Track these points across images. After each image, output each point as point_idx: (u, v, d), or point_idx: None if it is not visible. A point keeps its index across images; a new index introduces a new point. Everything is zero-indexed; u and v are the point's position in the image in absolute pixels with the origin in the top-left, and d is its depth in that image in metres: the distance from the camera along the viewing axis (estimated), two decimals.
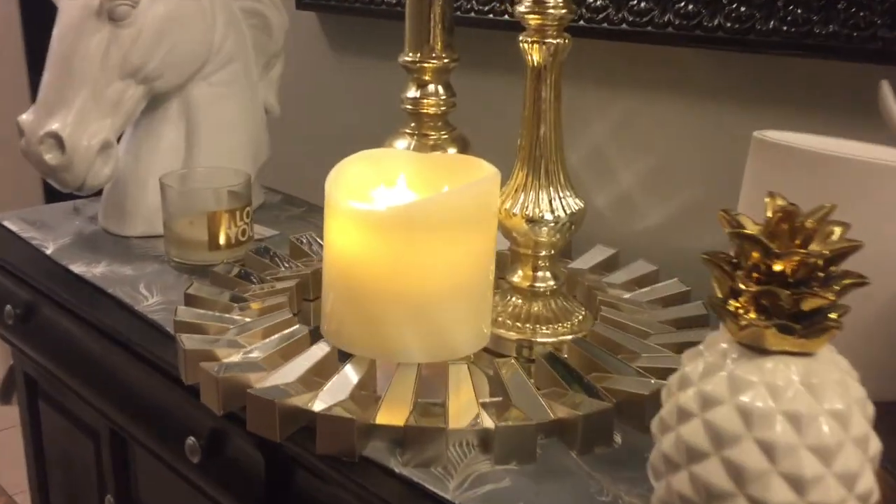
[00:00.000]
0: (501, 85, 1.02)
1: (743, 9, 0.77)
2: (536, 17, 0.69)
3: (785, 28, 0.75)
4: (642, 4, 0.84)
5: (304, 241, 0.94)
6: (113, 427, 0.88)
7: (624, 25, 0.86)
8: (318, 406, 0.63)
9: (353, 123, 1.23)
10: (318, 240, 0.94)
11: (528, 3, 0.69)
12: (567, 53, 0.70)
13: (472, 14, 0.98)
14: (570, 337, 0.75)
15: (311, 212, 1.14)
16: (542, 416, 0.62)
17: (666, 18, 0.82)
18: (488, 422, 0.62)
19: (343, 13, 1.18)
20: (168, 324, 0.80)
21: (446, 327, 0.67)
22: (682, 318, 0.77)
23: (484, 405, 0.64)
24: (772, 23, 0.75)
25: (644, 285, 0.85)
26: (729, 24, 0.78)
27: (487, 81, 1.01)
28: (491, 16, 0.96)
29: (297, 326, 0.73)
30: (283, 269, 0.88)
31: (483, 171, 0.69)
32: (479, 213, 0.67)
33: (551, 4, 0.68)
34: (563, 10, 0.68)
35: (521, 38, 0.70)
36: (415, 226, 0.64)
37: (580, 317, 0.76)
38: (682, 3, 0.81)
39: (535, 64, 0.70)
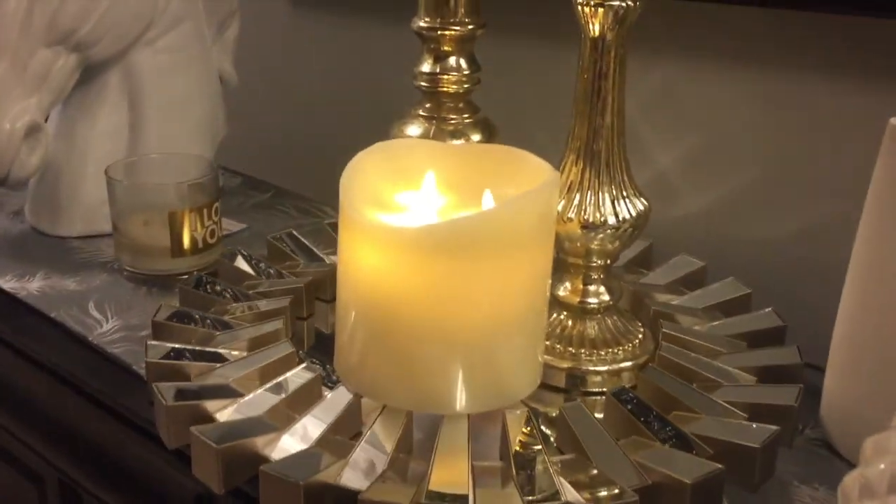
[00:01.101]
0: (527, 53, 0.87)
1: None
2: None
3: None
4: None
5: (284, 240, 0.79)
6: (63, 479, 0.73)
7: None
8: (353, 481, 0.49)
9: (320, 91, 1.07)
10: (301, 238, 0.79)
11: None
12: (636, 17, 0.56)
13: None
14: (630, 364, 0.62)
15: (279, 197, 0.98)
16: (631, 478, 0.50)
17: None
18: (572, 493, 0.49)
19: None
20: (132, 357, 0.64)
21: (500, 367, 0.54)
22: (753, 331, 0.66)
23: (558, 466, 0.51)
24: None
25: (692, 286, 0.73)
26: None
27: (510, 48, 0.85)
28: None
29: (303, 366, 0.59)
30: (264, 279, 0.73)
31: (533, 168, 0.55)
32: (537, 228, 0.53)
33: None
34: None
35: (576, 1, 0.56)
36: (461, 248, 0.50)
37: (639, 336, 0.64)
38: None
39: (595, 34, 0.56)
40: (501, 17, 0.81)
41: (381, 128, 0.69)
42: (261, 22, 1.07)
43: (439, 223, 0.53)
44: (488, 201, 0.55)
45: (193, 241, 0.77)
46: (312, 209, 0.95)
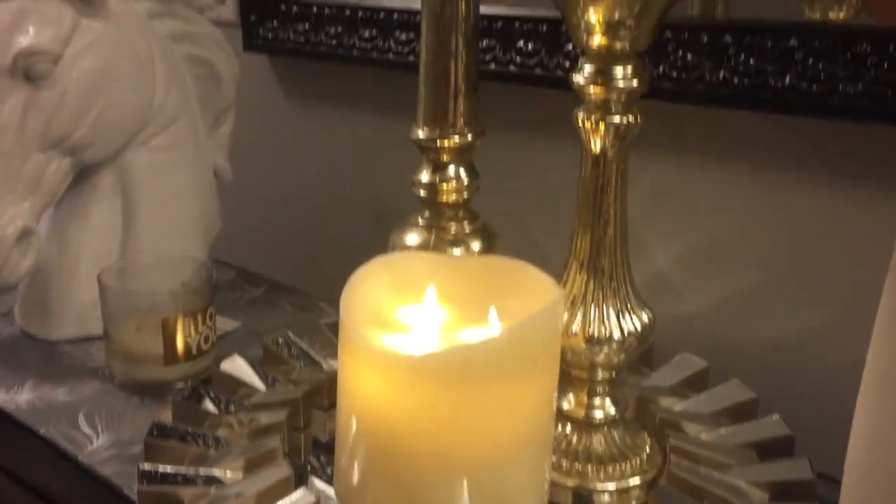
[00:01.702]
0: (521, 146, 0.86)
1: (821, 65, 0.65)
2: (599, 89, 0.54)
3: (878, 95, 0.62)
4: (689, 57, 0.71)
5: (280, 342, 0.77)
6: None
7: (665, 83, 0.72)
8: None
9: (314, 181, 1.07)
10: (296, 341, 0.78)
11: (588, 72, 0.54)
12: (637, 132, 0.56)
13: (493, 66, 0.83)
14: (638, 480, 0.60)
15: (274, 292, 0.97)
16: None
17: (720, 76, 0.69)
18: None
19: (299, 56, 1.01)
20: (124, 478, 0.62)
21: (506, 491, 0.52)
22: (762, 440, 0.64)
23: None
24: (860, 85, 0.63)
25: (696, 388, 0.71)
26: (805, 85, 0.65)
27: (505, 142, 0.85)
28: (512, 68, 0.81)
29: (301, 491, 0.57)
30: (259, 387, 0.71)
31: (536, 283, 0.54)
32: (543, 350, 0.51)
33: (620, 75, 0.54)
34: (635, 82, 0.54)
35: (577, 114, 0.56)
36: (466, 376, 0.49)
37: (647, 450, 0.62)
38: (742, 58, 0.68)
39: (597, 150, 0.55)
40: (501, 115, 0.81)
41: (378, 226, 0.68)
42: (255, 114, 1.07)
43: (443, 351, 0.52)
44: (493, 320, 0.54)
45: (187, 347, 0.75)
46: (308, 304, 0.94)
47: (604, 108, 0.55)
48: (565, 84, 0.56)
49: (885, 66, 0.61)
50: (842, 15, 0.74)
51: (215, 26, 0.93)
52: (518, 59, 0.81)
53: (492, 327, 0.54)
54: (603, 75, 0.54)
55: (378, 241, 0.67)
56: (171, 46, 0.89)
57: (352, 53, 0.94)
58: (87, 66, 0.79)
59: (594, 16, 0.52)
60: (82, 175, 0.84)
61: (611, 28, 0.52)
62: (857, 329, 0.54)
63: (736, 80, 0.68)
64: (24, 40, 0.75)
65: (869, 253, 0.68)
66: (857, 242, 0.69)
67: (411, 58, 0.89)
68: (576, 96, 0.56)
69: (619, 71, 0.54)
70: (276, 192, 1.11)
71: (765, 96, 0.67)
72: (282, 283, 0.99)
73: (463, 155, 0.64)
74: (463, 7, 0.60)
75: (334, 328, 0.53)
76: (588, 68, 0.54)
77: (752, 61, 0.67)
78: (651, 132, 0.66)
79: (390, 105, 0.97)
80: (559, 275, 0.60)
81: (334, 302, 0.51)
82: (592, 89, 0.54)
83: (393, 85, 0.94)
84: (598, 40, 0.53)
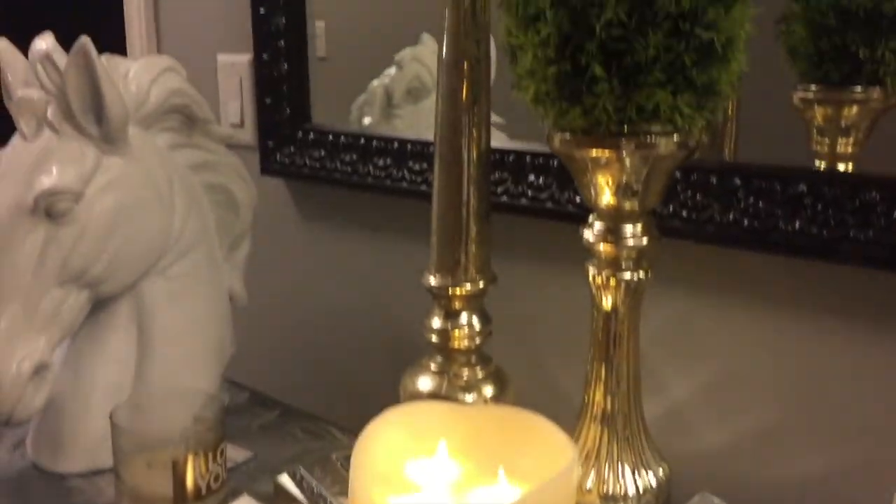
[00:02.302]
0: (532, 277, 0.87)
1: (830, 212, 0.65)
2: (609, 247, 0.55)
3: (889, 244, 0.62)
4: (698, 198, 0.71)
5: (291, 480, 0.76)
6: None
7: (676, 222, 0.73)
8: None
9: (328, 304, 1.07)
10: (309, 480, 0.76)
11: (598, 230, 0.55)
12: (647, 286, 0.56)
13: (505, 198, 0.84)
14: None
15: (286, 417, 0.96)
16: None
17: (730, 217, 0.70)
18: None
19: (314, 182, 1.03)
20: None
21: None
22: None
23: None
24: (870, 232, 0.63)
25: None
26: (815, 230, 0.65)
27: (517, 273, 0.85)
28: (523, 201, 0.82)
29: None
30: None
31: (548, 438, 0.54)
32: None
33: (629, 233, 0.54)
34: (645, 240, 0.55)
35: (588, 270, 0.56)
36: None
37: None
38: (751, 201, 0.69)
39: (608, 307, 0.56)
40: (513, 246, 0.82)
41: (392, 354, 0.68)
42: (271, 237, 1.09)
43: None
44: (502, 480, 0.53)
45: (197, 487, 0.74)
46: (320, 431, 0.93)
47: (614, 265, 0.55)
48: (576, 217, 0.57)
49: (894, 216, 0.61)
50: (850, 148, 0.75)
51: (233, 151, 0.96)
52: (529, 192, 0.82)
53: (501, 487, 0.53)
54: (613, 233, 0.54)
55: (392, 362, 0.67)
56: (191, 176, 0.91)
57: (366, 181, 0.96)
58: (108, 203, 0.80)
59: (602, 179, 0.53)
60: (99, 305, 0.85)
61: (619, 190, 0.53)
62: (883, 468, 0.53)
63: (746, 223, 0.69)
64: (48, 181, 0.77)
65: (883, 393, 0.67)
66: (871, 382, 0.68)
67: (424, 187, 0.90)
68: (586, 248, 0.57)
69: (628, 229, 0.54)
70: (289, 314, 1.11)
71: (775, 239, 0.68)
72: (294, 407, 0.99)
73: (475, 301, 0.64)
74: (474, 160, 0.61)
75: (346, 461, 0.52)
76: (598, 226, 0.55)
77: (761, 204, 0.68)
78: (664, 268, 0.67)
79: (404, 230, 0.98)
80: (575, 411, 0.59)
81: (346, 429, 0.51)
82: (603, 247, 0.55)
83: (407, 212, 0.96)
84: (607, 200, 0.54)
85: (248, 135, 1.11)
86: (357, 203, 1.01)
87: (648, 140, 0.50)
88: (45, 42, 0.80)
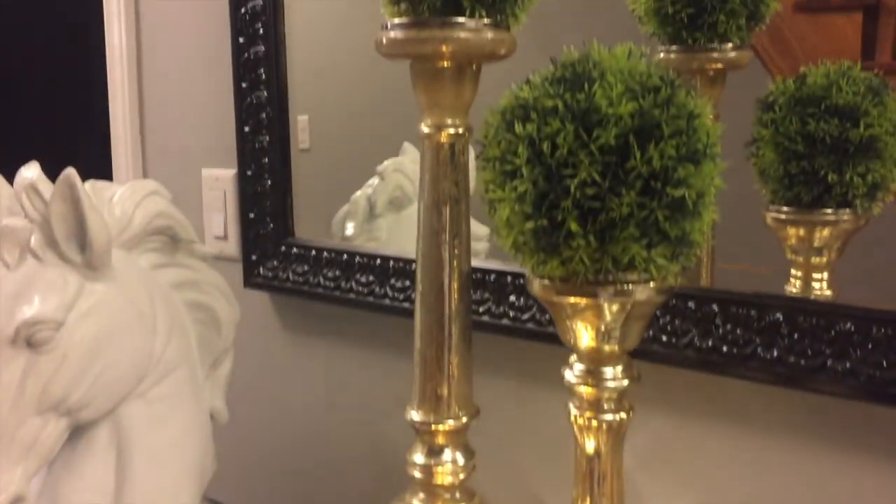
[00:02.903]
0: (513, 396, 0.87)
1: (807, 341, 0.66)
2: (591, 390, 0.55)
3: (866, 375, 0.63)
4: (677, 323, 0.72)
5: None
6: None
7: (656, 346, 0.73)
8: None
9: (313, 421, 1.06)
10: None
11: (578, 371, 0.55)
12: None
13: (486, 318, 0.84)
14: None
15: None
16: None
17: (709, 343, 0.70)
18: None
19: (298, 296, 1.03)
20: None
21: None
22: None
23: None
24: (847, 363, 0.64)
25: None
26: (793, 359, 0.66)
27: (498, 393, 0.86)
28: (504, 321, 0.83)
29: None
30: None
31: None
32: None
33: (610, 375, 0.55)
34: (626, 382, 0.55)
35: (570, 410, 0.56)
36: None
37: None
38: (729, 328, 0.70)
39: (591, 451, 0.56)
40: (494, 365, 0.82)
41: (378, 474, 0.67)
42: (254, 351, 1.08)
43: None
44: None
45: None
46: None
47: (596, 407, 0.55)
48: (558, 339, 0.57)
49: (869, 347, 0.62)
50: (824, 261, 0.77)
51: (217, 263, 0.96)
52: (511, 312, 0.83)
53: None
54: (593, 375, 0.55)
55: (378, 483, 0.66)
56: (173, 295, 0.91)
57: (349, 297, 0.96)
58: (90, 330, 0.80)
59: (582, 324, 0.53)
60: (76, 431, 0.84)
61: (599, 334, 0.53)
62: None
63: (725, 349, 0.69)
64: (29, 310, 0.77)
65: None
66: None
67: (407, 304, 0.91)
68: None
69: (609, 371, 0.55)
70: (272, 431, 1.10)
71: (754, 367, 0.68)
72: None
73: (458, 437, 0.64)
74: (455, 296, 0.62)
75: None
76: (578, 367, 0.55)
77: (739, 331, 0.69)
78: (645, 392, 0.67)
79: (388, 346, 0.98)
80: None
81: None
82: (584, 389, 0.55)
83: (390, 328, 0.96)
84: (587, 343, 0.54)
85: (231, 247, 1.12)
86: (341, 318, 1.01)
87: (626, 288, 0.51)
88: (30, 171, 0.81)
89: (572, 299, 0.52)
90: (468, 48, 0.56)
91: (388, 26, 0.58)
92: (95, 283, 0.81)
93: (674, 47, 0.78)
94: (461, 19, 0.56)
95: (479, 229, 0.74)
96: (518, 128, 0.49)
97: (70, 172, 0.78)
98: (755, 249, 0.78)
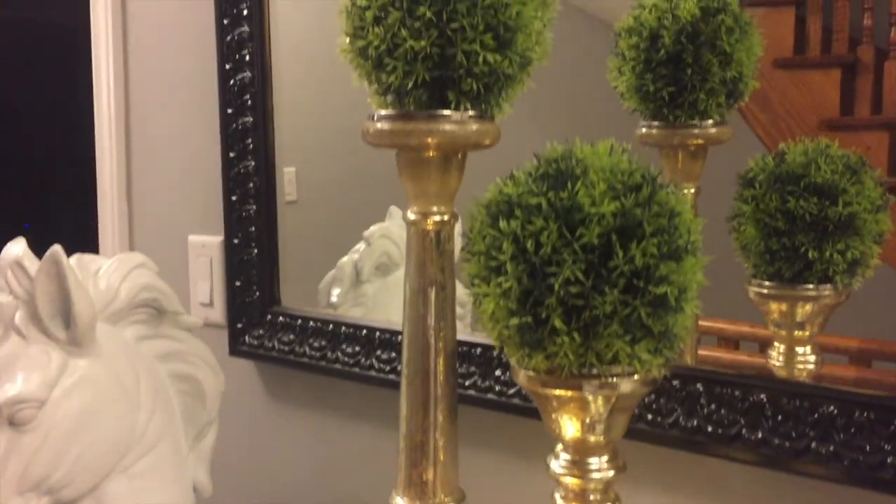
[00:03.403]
0: (499, 470, 0.86)
1: (791, 423, 0.66)
2: (576, 481, 0.55)
3: (849, 458, 0.63)
4: (661, 401, 0.73)
5: None
6: None
7: (641, 424, 0.73)
8: None
9: (298, 493, 1.05)
10: None
11: (564, 461, 0.55)
12: None
13: (472, 392, 0.84)
14: None
15: None
16: None
17: (694, 423, 0.71)
18: None
19: (284, 365, 1.03)
20: None
21: None
22: None
23: None
24: (831, 447, 0.64)
25: None
26: (777, 441, 0.66)
27: (484, 467, 0.85)
28: (490, 395, 0.83)
29: None
30: None
31: None
32: None
33: (595, 466, 0.55)
34: (611, 473, 0.55)
35: (556, 500, 0.56)
36: None
37: None
38: (713, 407, 0.70)
39: None
40: (480, 440, 0.82)
41: None
42: (239, 419, 1.08)
43: None
44: None
45: None
46: None
47: (581, 497, 0.55)
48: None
49: (852, 431, 0.63)
50: (806, 334, 0.77)
51: (203, 329, 0.95)
52: (497, 387, 0.83)
53: None
54: (579, 466, 0.55)
55: None
56: (158, 367, 0.91)
57: (335, 367, 0.96)
58: (72, 407, 0.79)
59: (567, 415, 0.53)
60: None
61: (584, 425, 0.54)
62: None
63: (710, 429, 0.70)
64: (11, 389, 0.76)
65: None
66: None
67: (393, 376, 0.91)
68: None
69: (594, 462, 0.55)
70: (256, 500, 1.09)
71: (739, 447, 0.68)
72: None
73: None
74: (441, 380, 0.62)
75: None
76: (564, 457, 0.55)
77: (723, 411, 0.69)
78: (630, 470, 0.67)
79: (375, 417, 0.98)
80: None
81: None
82: (569, 480, 0.55)
83: (377, 399, 0.96)
84: (572, 434, 0.54)
85: (217, 314, 1.12)
86: (327, 389, 1.01)
87: (610, 381, 0.51)
88: (16, 248, 0.81)
89: (557, 392, 0.52)
90: (453, 139, 0.57)
91: (375, 117, 0.59)
92: (79, 360, 0.81)
93: (655, 123, 0.80)
94: (446, 112, 0.57)
95: (464, 296, 0.74)
96: (503, 224, 0.50)
97: (56, 249, 0.78)
98: (740, 311, 0.79)
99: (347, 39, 0.58)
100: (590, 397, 0.52)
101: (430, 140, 0.57)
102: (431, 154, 0.59)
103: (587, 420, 0.53)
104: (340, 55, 0.60)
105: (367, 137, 0.60)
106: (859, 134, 0.80)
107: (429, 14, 0.54)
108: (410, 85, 0.56)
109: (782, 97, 0.83)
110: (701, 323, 0.77)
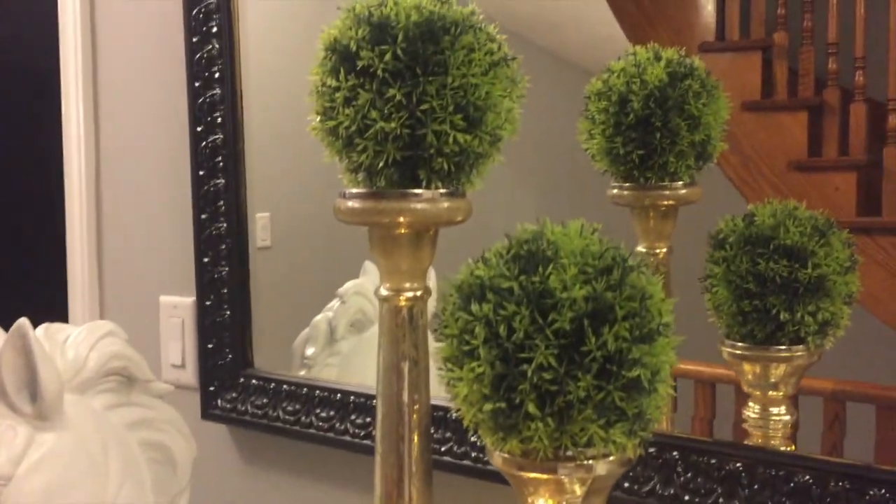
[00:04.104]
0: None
1: (767, 492, 0.66)
2: None
3: None
4: (638, 469, 0.72)
5: None
6: None
7: (618, 492, 0.73)
8: None
9: None
10: None
11: None
12: None
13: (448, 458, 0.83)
14: None
15: None
16: None
17: (671, 492, 0.70)
18: None
19: (258, 429, 1.01)
20: None
21: None
22: None
23: None
24: None
25: None
26: None
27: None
28: (466, 462, 0.82)
29: None
30: None
31: None
32: None
33: None
34: None
35: None
36: None
37: None
38: (689, 476, 0.70)
39: None
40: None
41: None
42: (212, 486, 1.06)
43: None
44: None
45: None
46: None
47: None
48: None
49: (828, 501, 0.63)
50: (780, 395, 0.78)
51: (175, 392, 0.94)
52: (473, 452, 0.82)
53: None
54: None
55: None
56: (127, 436, 0.89)
57: (309, 431, 0.95)
58: (39, 482, 0.77)
59: (543, 498, 0.53)
60: None
61: None
62: None
63: (687, 497, 0.69)
64: None
65: None
66: None
67: (368, 441, 0.90)
68: None
69: None
70: None
71: None
72: None
73: None
74: (416, 455, 0.62)
75: None
76: None
77: (700, 480, 0.69)
78: None
79: (349, 483, 0.96)
80: None
81: None
82: None
83: (352, 465, 0.94)
84: None
85: (189, 376, 1.10)
86: (301, 453, 1.00)
87: (586, 463, 0.51)
88: None
89: (533, 475, 0.52)
90: (425, 217, 0.57)
91: (346, 195, 0.59)
92: (46, 433, 0.79)
93: (626, 184, 0.80)
94: (418, 190, 0.57)
95: None
96: (475, 307, 0.50)
97: (22, 322, 0.77)
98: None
99: (318, 118, 0.58)
100: (565, 479, 0.51)
101: (401, 219, 0.57)
102: (403, 231, 0.59)
103: (563, 503, 0.53)
104: (311, 133, 0.60)
105: (338, 215, 0.60)
106: (827, 174, 0.82)
107: (399, 96, 0.54)
108: (381, 164, 0.56)
109: (751, 139, 0.84)
110: (678, 367, 0.78)
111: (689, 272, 0.80)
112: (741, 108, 0.83)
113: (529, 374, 0.47)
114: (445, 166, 0.57)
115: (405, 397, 0.61)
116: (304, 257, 1.10)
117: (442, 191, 0.58)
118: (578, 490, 0.52)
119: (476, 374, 0.49)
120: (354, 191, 0.58)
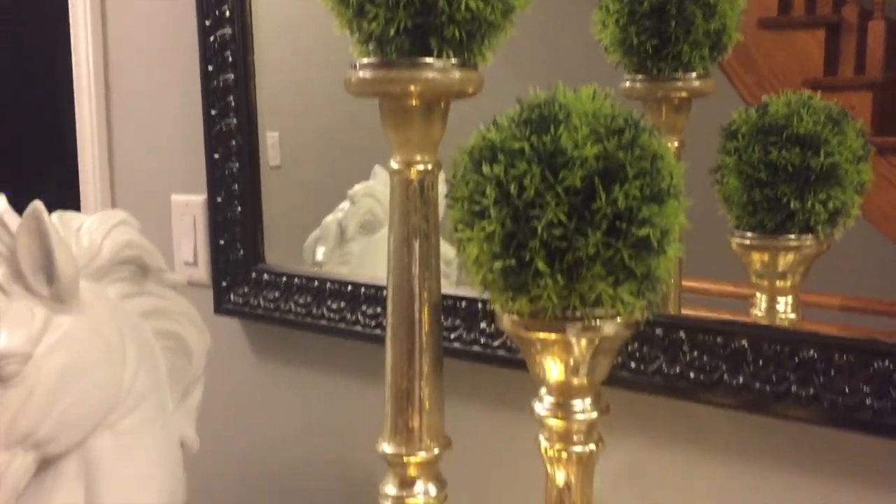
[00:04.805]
0: (485, 422, 0.87)
1: (772, 367, 0.67)
2: (560, 422, 0.56)
3: (829, 401, 0.64)
4: (644, 349, 0.73)
5: None
6: None
7: (625, 372, 0.74)
8: None
9: (285, 449, 1.06)
10: None
11: (548, 404, 0.56)
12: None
13: (457, 345, 0.85)
14: None
15: None
16: None
17: (677, 370, 0.72)
18: None
19: (269, 322, 1.03)
20: None
21: None
22: None
23: None
24: (811, 390, 0.65)
25: None
26: (758, 386, 0.68)
27: (470, 418, 0.86)
28: (475, 348, 0.83)
29: None
30: None
31: None
32: None
33: (579, 408, 0.56)
34: (595, 414, 0.56)
35: (540, 442, 0.57)
36: None
37: None
38: (695, 354, 0.71)
39: (561, 483, 0.56)
40: (465, 392, 0.83)
41: (348, 496, 0.67)
42: (225, 377, 1.08)
43: None
44: None
45: None
46: None
47: (566, 439, 0.56)
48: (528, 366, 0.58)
49: (832, 374, 0.64)
50: (788, 284, 0.78)
51: (187, 289, 0.95)
52: (482, 339, 0.83)
53: None
54: (563, 408, 0.56)
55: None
56: (142, 325, 0.90)
57: (320, 323, 0.97)
58: (57, 363, 0.79)
59: (550, 358, 0.54)
60: (45, 464, 0.83)
61: (568, 368, 0.54)
62: None
63: (692, 375, 0.71)
64: None
65: None
66: None
67: (378, 331, 0.91)
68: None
69: (578, 404, 0.56)
70: (244, 459, 1.10)
71: (721, 392, 0.69)
72: None
73: (430, 468, 0.64)
74: (426, 329, 0.63)
75: None
76: (548, 400, 0.56)
77: (705, 358, 0.70)
78: (614, 417, 0.67)
79: (360, 373, 0.98)
80: None
81: None
82: (553, 422, 0.56)
83: (362, 354, 0.96)
84: (556, 377, 0.55)
85: (201, 273, 1.11)
86: (313, 345, 1.01)
87: (593, 323, 0.51)
88: None
89: (541, 335, 0.53)
90: (436, 88, 0.57)
91: (357, 66, 0.58)
92: (63, 316, 0.81)
93: (639, 76, 0.80)
94: (429, 60, 0.56)
95: (449, 252, 0.74)
96: (486, 168, 0.50)
97: (37, 205, 0.78)
98: (722, 269, 0.79)
99: None
100: (573, 340, 0.52)
101: (412, 88, 0.57)
102: (414, 103, 0.59)
103: (570, 362, 0.54)
104: (321, 2, 0.59)
105: (349, 86, 0.60)
106: (843, 94, 0.80)
107: None
108: (392, 32, 0.56)
109: (767, 57, 0.83)
110: (684, 283, 0.78)
111: (699, 169, 0.80)
112: (757, 26, 0.82)
113: (539, 230, 0.48)
114: (457, 35, 0.56)
115: (416, 271, 0.62)
116: (315, 173, 1.10)
117: (454, 61, 0.58)
118: (585, 351, 0.53)
119: (486, 233, 0.50)
120: (365, 61, 0.58)
